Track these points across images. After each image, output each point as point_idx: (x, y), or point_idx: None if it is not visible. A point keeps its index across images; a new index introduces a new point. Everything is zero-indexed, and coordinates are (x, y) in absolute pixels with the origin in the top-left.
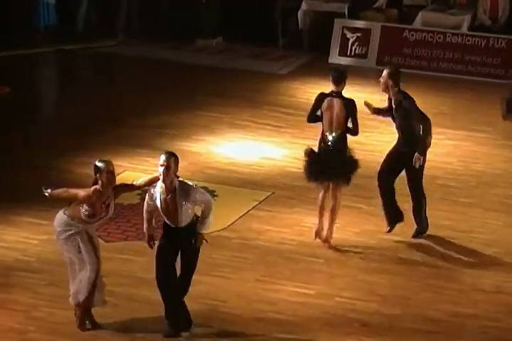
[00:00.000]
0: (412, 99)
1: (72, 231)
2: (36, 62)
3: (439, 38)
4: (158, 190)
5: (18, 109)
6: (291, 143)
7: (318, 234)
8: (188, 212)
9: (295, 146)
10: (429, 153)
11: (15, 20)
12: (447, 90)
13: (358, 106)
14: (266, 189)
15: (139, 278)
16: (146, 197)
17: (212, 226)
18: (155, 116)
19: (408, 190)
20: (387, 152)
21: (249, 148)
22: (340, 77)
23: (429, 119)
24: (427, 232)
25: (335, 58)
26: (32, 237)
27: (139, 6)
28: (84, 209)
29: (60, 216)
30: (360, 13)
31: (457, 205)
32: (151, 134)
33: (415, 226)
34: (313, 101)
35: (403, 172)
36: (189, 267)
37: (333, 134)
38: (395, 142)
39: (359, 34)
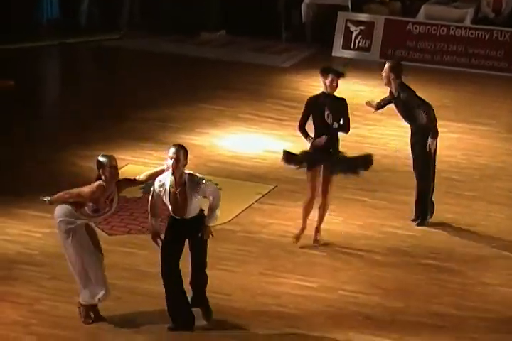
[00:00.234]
0: (412, 89)
1: (73, 225)
2: (39, 56)
3: (443, 30)
4: (168, 182)
5: (20, 104)
6: (294, 136)
7: (298, 238)
8: (196, 204)
9: (298, 139)
10: None
11: (18, 14)
12: (450, 83)
13: (358, 105)
14: (269, 182)
15: (142, 271)
16: (154, 188)
17: (217, 219)
18: (158, 109)
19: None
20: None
21: (252, 141)
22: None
23: (430, 105)
24: (432, 224)
25: (338, 51)
26: (35, 230)
27: (141, 3)
28: (88, 205)
29: (64, 206)
30: (364, 6)
31: (461, 198)
32: (154, 127)
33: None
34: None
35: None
36: (199, 260)
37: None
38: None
39: (362, 27)
